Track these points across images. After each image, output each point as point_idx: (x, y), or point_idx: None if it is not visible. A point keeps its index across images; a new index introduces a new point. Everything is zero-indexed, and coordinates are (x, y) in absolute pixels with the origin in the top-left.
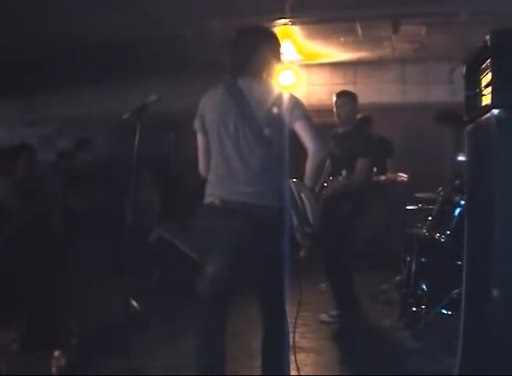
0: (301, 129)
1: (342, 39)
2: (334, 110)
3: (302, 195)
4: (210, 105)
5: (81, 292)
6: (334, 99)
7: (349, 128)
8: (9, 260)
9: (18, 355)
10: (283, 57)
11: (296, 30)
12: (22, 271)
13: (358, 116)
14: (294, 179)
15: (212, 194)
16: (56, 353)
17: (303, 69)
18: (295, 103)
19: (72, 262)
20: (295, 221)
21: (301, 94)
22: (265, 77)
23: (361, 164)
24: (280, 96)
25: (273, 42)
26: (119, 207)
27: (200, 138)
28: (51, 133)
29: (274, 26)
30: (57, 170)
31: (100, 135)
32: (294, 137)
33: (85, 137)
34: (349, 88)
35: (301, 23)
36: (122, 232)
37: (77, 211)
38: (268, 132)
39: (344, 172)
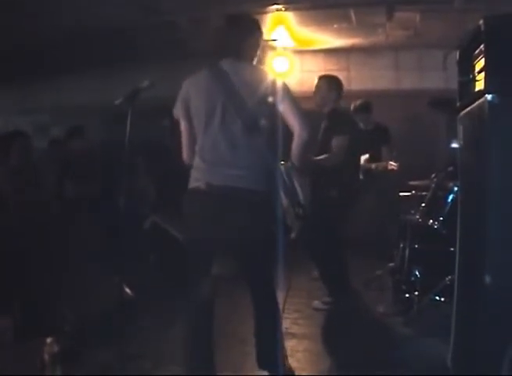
0: (286, 110)
1: (336, 26)
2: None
3: (292, 177)
4: (194, 90)
5: (75, 280)
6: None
7: (325, 111)
8: (4, 248)
9: (12, 342)
10: (274, 43)
11: (289, 17)
12: (17, 259)
13: (358, 101)
14: (283, 162)
15: (198, 179)
16: (49, 340)
17: (296, 55)
18: (280, 85)
19: (66, 250)
20: (285, 203)
21: (294, 80)
22: (249, 61)
23: (335, 143)
24: (265, 79)
25: (256, 28)
26: (113, 195)
27: (183, 125)
28: (45, 121)
29: (268, 12)
30: (50, 157)
31: (95, 122)
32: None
33: (78, 124)
34: (342, 74)
35: (295, 10)
36: (116, 219)
37: (71, 198)
38: (255, 115)
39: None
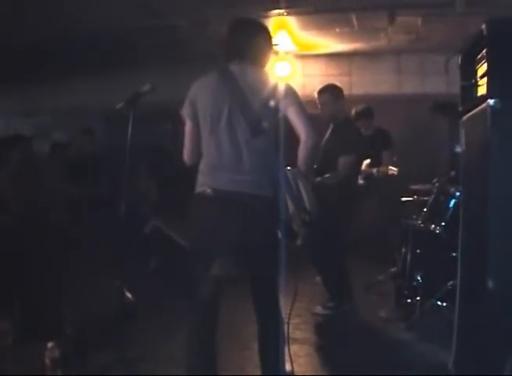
0: (293, 116)
1: (338, 30)
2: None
3: (298, 182)
4: (202, 92)
5: (76, 283)
6: (316, 95)
7: (334, 124)
8: (5, 251)
9: (13, 346)
10: (276, 48)
11: (291, 21)
12: (17, 262)
13: (359, 106)
14: (289, 167)
15: (203, 184)
16: (50, 344)
17: (298, 60)
18: (288, 90)
19: (67, 253)
20: (291, 209)
21: (296, 85)
22: (257, 65)
23: (342, 161)
24: (274, 84)
25: (265, 33)
26: (115, 198)
27: (188, 125)
28: (46, 124)
29: (270, 16)
30: (52, 161)
31: (96, 126)
32: (289, 125)
33: (83, 127)
34: (344, 79)
35: (297, 14)
36: (118, 222)
37: (72, 201)
38: (261, 120)
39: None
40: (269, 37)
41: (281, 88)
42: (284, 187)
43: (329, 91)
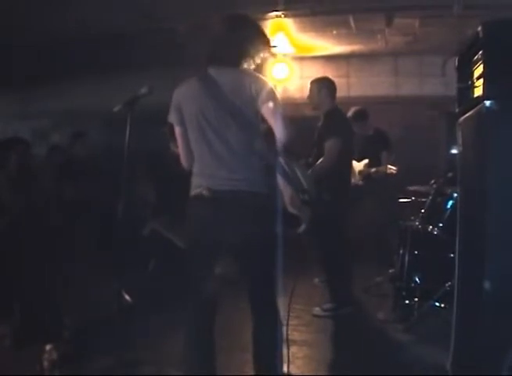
0: (268, 113)
1: (335, 32)
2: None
3: (293, 165)
4: (186, 96)
5: (73, 285)
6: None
7: (323, 115)
8: (2, 253)
9: (11, 348)
10: (274, 50)
11: (289, 23)
12: (15, 264)
13: (354, 109)
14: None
15: (199, 185)
16: (48, 347)
17: (296, 62)
18: (264, 86)
19: (65, 256)
20: (290, 191)
21: (293, 87)
22: (237, 65)
23: (327, 144)
24: (253, 81)
25: (245, 29)
26: (113, 201)
27: (178, 131)
28: (45, 127)
29: (267, 18)
30: (50, 163)
31: (95, 129)
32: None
33: (81, 129)
34: (342, 81)
35: (294, 16)
36: (116, 225)
37: (70, 204)
38: (248, 117)
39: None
40: (245, 36)
41: (257, 82)
42: (281, 176)
43: (314, 82)
